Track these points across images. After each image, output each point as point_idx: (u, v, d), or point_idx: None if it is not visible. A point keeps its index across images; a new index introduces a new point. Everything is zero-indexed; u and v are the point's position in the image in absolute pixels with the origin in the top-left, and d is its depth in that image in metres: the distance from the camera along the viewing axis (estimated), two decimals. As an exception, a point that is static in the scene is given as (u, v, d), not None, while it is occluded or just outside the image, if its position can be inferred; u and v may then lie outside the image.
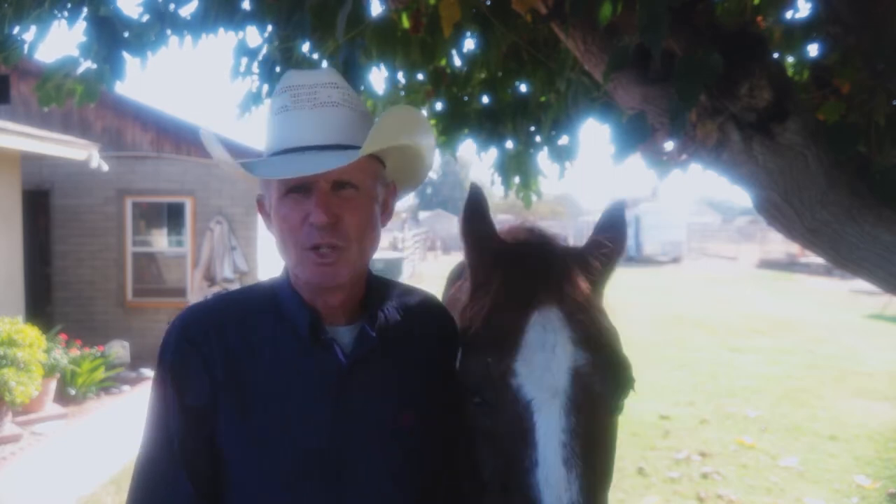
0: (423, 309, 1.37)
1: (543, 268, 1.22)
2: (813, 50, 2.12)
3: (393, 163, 1.28)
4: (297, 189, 1.14)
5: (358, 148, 1.13)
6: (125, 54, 2.57)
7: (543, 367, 1.10)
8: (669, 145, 1.73)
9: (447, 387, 1.24)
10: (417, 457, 1.20)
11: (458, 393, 1.21)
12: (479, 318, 1.22)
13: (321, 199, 1.11)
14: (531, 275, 1.21)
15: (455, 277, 2.77)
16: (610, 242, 1.30)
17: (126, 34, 2.58)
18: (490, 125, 3.09)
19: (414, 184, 1.40)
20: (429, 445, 1.22)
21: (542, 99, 3.00)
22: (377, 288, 1.30)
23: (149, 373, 8.47)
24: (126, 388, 7.87)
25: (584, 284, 1.22)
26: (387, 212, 1.28)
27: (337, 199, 1.13)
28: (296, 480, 1.12)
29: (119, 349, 8.46)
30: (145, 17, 2.69)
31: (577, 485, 1.01)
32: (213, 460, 1.14)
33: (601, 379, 1.12)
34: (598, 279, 1.27)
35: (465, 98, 3.07)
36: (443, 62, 2.89)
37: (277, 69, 2.89)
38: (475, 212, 1.31)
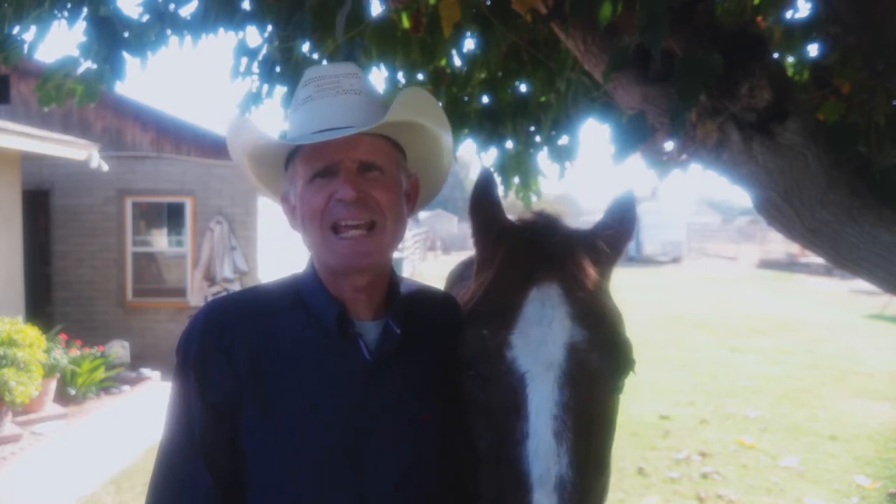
0: (443, 307, 1.38)
1: (547, 245, 1.23)
2: (813, 50, 2.12)
3: (412, 153, 1.29)
4: (324, 173, 1.15)
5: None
6: (125, 54, 2.56)
7: (539, 340, 1.10)
8: (669, 145, 1.73)
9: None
10: (437, 453, 1.21)
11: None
12: (480, 292, 1.24)
13: (348, 176, 1.14)
14: (534, 252, 1.22)
15: (456, 278, 2.75)
16: (617, 227, 1.31)
17: (126, 34, 2.58)
18: (490, 125, 3.08)
19: (435, 182, 1.40)
20: (448, 440, 1.23)
21: (542, 99, 3.00)
22: (400, 285, 1.30)
23: (149, 373, 8.46)
24: (126, 388, 7.87)
25: (587, 264, 1.22)
26: (411, 202, 1.30)
27: (363, 180, 1.15)
28: (317, 475, 1.12)
29: (119, 349, 8.46)
30: (145, 17, 2.69)
31: (567, 458, 1.01)
32: (234, 456, 1.15)
33: (599, 356, 1.12)
34: (603, 261, 1.27)
35: (465, 98, 3.07)
36: (443, 62, 2.89)
37: (277, 69, 2.89)
38: (484, 192, 1.33)
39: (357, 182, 1.14)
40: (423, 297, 1.36)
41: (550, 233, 1.28)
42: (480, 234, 1.34)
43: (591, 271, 1.22)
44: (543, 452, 1.01)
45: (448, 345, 1.27)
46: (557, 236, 1.26)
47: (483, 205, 1.33)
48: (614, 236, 1.30)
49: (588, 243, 1.27)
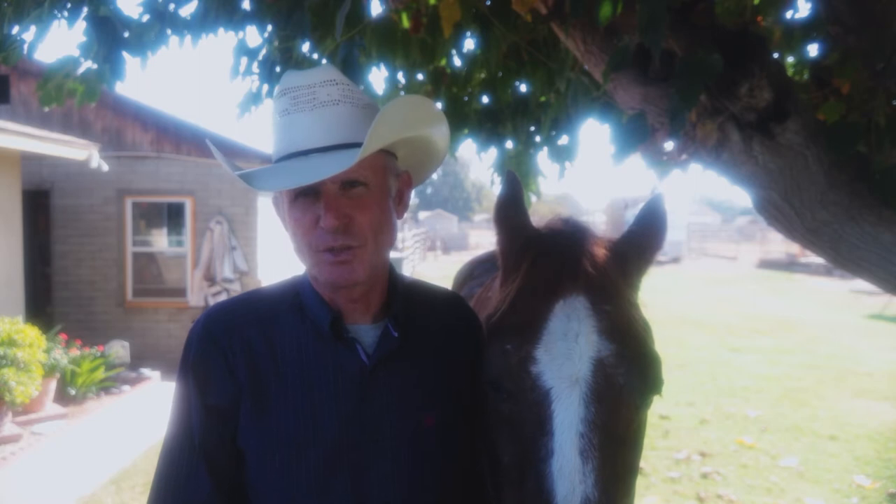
0: (449, 308, 1.36)
1: (573, 256, 1.19)
2: (813, 50, 2.12)
3: (404, 152, 1.26)
4: (306, 193, 1.12)
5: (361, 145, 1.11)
6: (125, 54, 2.56)
7: (565, 355, 1.07)
8: (669, 145, 1.73)
9: (472, 386, 1.23)
10: (440, 457, 1.20)
11: (480, 385, 1.19)
12: (504, 305, 1.21)
13: (330, 203, 1.10)
14: (560, 262, 1.19)
15: (465, 276, 2.75)
16: (647, 235, 1.28)
17: (126, 34, 2.58)
18: (490, 125, 3.09)
19: (428, 172, 1.37)
20: (452, 445, 1.22)
21: (542, 99, 3.00)
22: (401, 286, 1.28)
23: (149, 373, 8.46)
24: (126, 388, 7.87)
25: (615, 275, 1.19)
26: (402, 203, 1.27)
27: (346, 200, 1.12)
28: (316, 479, 1.12)
29: (119, 349, 8.46)
30: (145, 17, 2.69)
31: (592, 477, 0.99)
32: (235, 459, 1.15)
33: (626, 371, 1.08)
34: (631, 271, 1.24)
35: (465, 98, 3.07)
36: (443, 62, 2.89)
37: (277, 69, 2.89)
38: (510, 199, 1.30)
39: (339, 205, 1.11)
40: (426, 297, 1.35)
41: (577, 242, 1.23)
42: (506, 242, 1.30)
43: (619, 282, 1.19)
44: (568, 471, 0.99)
45: (453, 345, 1.26)
46: (585, 245, 1.22)
47: (509, 212, 1.29)
48: (643, 245, 1.27)
49: (616, 252, 1.23)
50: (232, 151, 10.68)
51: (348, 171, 1.08)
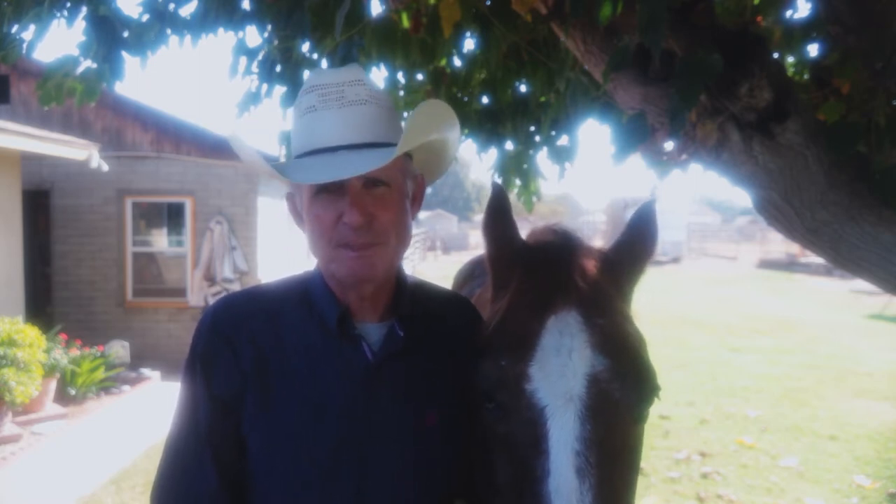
0: (454, 309, 1.37)
1: (564, 269, 1.18)
2: (813, 50, 2.12)
3: (420, 155, 1.27)
4: (329, 190, 1.14)
5: (388, 145, 1.13)
6: (125, 54, 2.56)
7: (559, 372, 1.06)
8: (669, 145, 1.73)
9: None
10: (442, 456, 1.20)
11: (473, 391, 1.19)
12: (496, 320, 1.20)
13: (355, 200, 1.12)
14: (551, 276, 1.18)
15: (466, 276, 2.75)
16: (638, 244, 1.26)
17: (126, 34, 2.57)
18: (490, 125, 3.08)
19: (439, 173, 1.39)
20: (456, 443, 1.22)
21: (542, 99, 3.00)
22: (407, 286, 1.29)
23: (149, 373, 8.47)
24: (126, 388, 7.87)
25: (607, 288, 1.17)
26: (416, 204, 1.29)
27: (370, 198, 1.14)
28: (318, 474, 1.12)
29: (119, 349, 8.46)
30: (145, 17, 2.68)
31: (590, 496, 0.97)
32: (239, 451, 1.15)
33: (621, 386, 1.07)
34: (623, 282, 1.23)
35: (465, 98, 3.07)
36: (443, 62, 2.89)
37: (277, 69, 2.89)
38: (497, 211, 1.29)
39: (364, 203, 1.12)
40: (432, 298, 1.35)
41: (567, 253, 1.22)
42: (496, 255, 1.29)
43: (612, 295, 1.17)
44: (566, 491, 0.98)
45: (457, 344, 1.26)
46: (575, 257, 1.21)
47: (496, 225, 1.28)
48: (635, 254, 1.25)
49: (607, 263, 1.22)
50: (231, 151, 10.67)
51: (376, 171, 1.10)
